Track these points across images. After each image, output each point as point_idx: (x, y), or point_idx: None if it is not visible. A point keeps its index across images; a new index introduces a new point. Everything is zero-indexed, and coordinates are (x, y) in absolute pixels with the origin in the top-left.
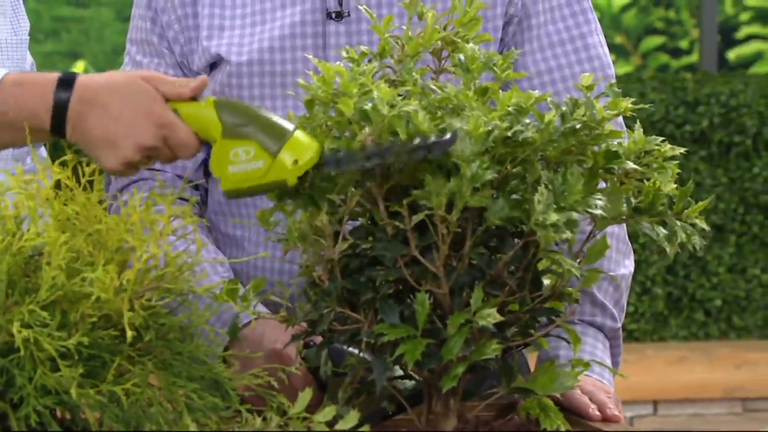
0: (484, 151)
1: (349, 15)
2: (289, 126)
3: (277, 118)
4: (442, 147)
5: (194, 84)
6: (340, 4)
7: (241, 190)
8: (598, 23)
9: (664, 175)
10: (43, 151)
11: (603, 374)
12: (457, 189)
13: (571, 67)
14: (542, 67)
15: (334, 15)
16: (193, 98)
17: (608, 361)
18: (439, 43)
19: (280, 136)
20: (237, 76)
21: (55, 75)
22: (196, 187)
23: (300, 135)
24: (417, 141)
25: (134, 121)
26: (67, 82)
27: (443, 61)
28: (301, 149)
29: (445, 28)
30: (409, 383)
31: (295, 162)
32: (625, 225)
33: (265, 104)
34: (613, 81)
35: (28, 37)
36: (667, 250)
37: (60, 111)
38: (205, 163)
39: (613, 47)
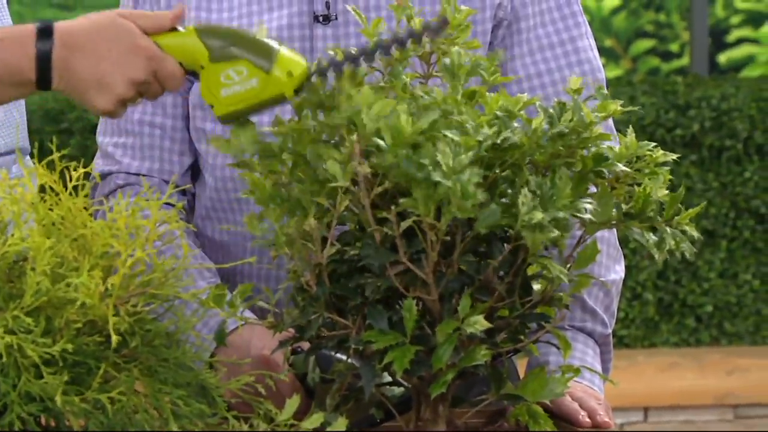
0: (474, 162)
1: (336, 18)
2: (274, 43)
3: (261, 37)
4: (432, 34)
5: (172, 14)
6: (328, 8)
7: (238, 112)
8: (588, 27)
9: (655, 180)
10: (28, 160)
11: (593, 381)
12: (446, 199)
13: (561, 71)
14: (531, 71)
15: (321, 18)
16: (173, 29)
17: (598, 368)
18: (428, 47)
19: (269, 52)
20: None
21: (32, 26)
22: (183, 193)
23: (286, 51)
24: (400, 33)
25: (122, 57)
26: (46, 32)
27: (431, 66)
28: (292, 63)
29: None
30: (397, 390)
31: (290, 74)
32: (615, 230)
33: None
34: (604, 83)
35: None
36: (656, 256)
37: (44, 62)
38: (192, 167)
39: (603, 50)
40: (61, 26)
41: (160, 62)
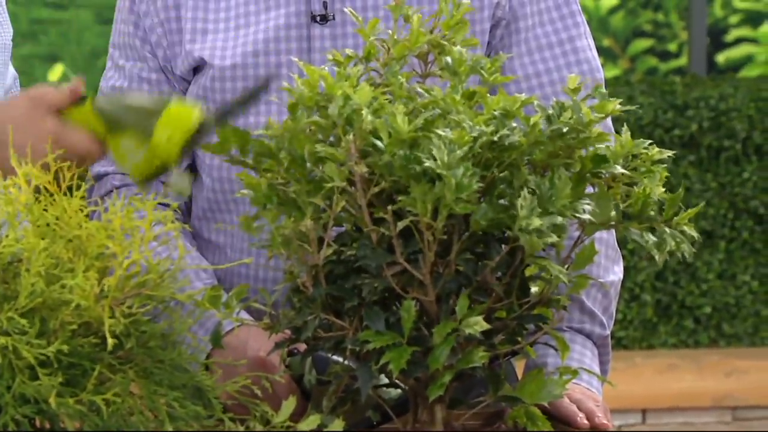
0: (468, 157)
1: (333, 18)
2: (159, 106)
3: (150, 101)
4: (257, 93)
5: (70, 87)
6: (325, 7)
7: (152, 175)
8: (587, 27)
9: (652, 179)
10: None
11: (591, 382)
12: (442, 196)
13: (560, 71)
14: (530, 71)
15: (318, 18)
16: (83, 99)
17: (597, 369)
18: (426, 46)
19: (151, 115)
20: (220, 80)
21: None
22: None
23: (171, 112)
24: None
25: (26, 144)
26: None
27: (429, 65)
28: (176, 122)
29: (431, 32)
30: (394, 392)
31: (169, 139)
32: (614, 231)
33: (248, 109)
34: (602, 84)
35: (11, 44)
36: (656, 257)
37: None
38: (188, 168)
39: (600, 50)
40: None
41: (63, 138)
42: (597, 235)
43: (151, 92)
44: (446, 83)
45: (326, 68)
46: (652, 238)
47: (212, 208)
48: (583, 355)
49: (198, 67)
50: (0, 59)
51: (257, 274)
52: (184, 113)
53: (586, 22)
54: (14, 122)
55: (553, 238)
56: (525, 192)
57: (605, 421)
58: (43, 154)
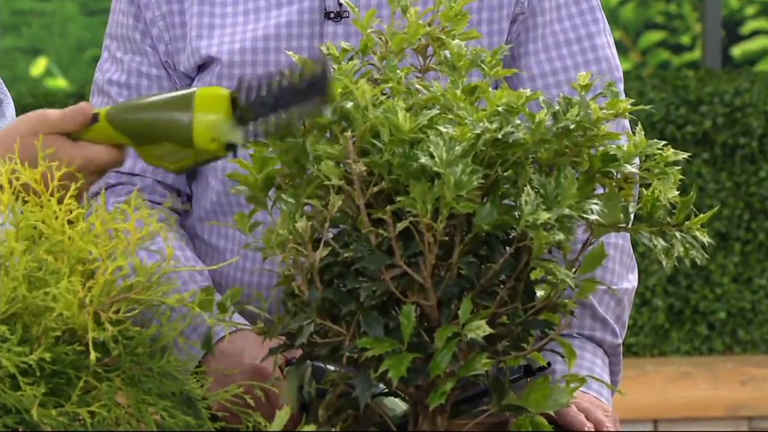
0: (469, 154)
1: (348, 16)
2: (187, 112)
3: (174, 106)
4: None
5: (77, 120)
6: (340, 5)
7: (187, 168)
8: (606, 22)
9: (665, 181)
10: None
11: (601, 392)
12: (442, 195)
13: (577, 69)
14: (546, 68)
15: (332, 15)
16: (94, 118)
17: (607, 378)
18: (424, 39)
19: (185, 129)
20: (228, 77)
21: None
22: (178, 194)
23: (201, 114)
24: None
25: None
26: None
27: (428, 59)
28: (212, 127)
29: (429, 25)
30: (399, 409)
31: (213, 140)
32: (629, 237)
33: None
34: (621, 83)
35: None
36: (664, 263)
37: None
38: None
39: None
40: None
41: (84, 156)
42: (612, 240)
43: (159, 90)
44: (446, 78)
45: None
46: (661, 242)
47: (216, 211)
48: (594, 363)
49: (204, 64)
50: None
51: (252, 280)
52: (216, 115)
53: (605, 19)
54: (20, 142)
55: (560, 236)
56: (529, 188)
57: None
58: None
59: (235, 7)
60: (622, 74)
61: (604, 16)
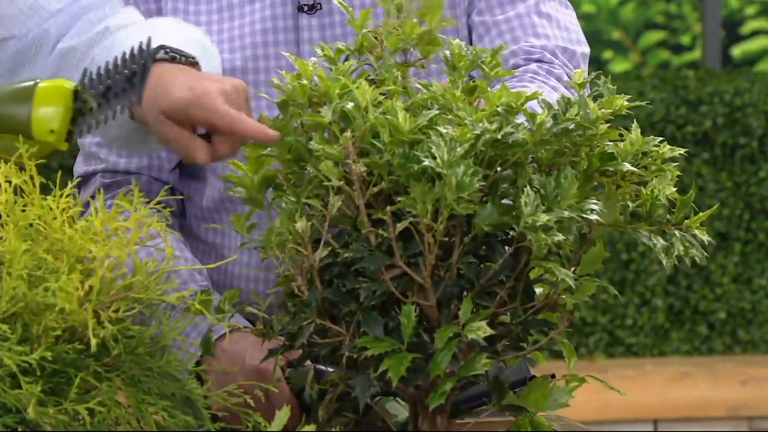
0: (470, 155)
1: (321, 8)
2: (26, 105)
3: (13, 99)
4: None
5: None
6: None
7: (36, 160)
8: (571, 8)
9: (662, 178)
10: None
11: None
12: (442, 196)
13: (530, 17)
14: (499, 17)
15: (306, 8)
16: None
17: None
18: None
19: (24, 122)
20: None
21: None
22: (173, 192)
23: (40, 107)
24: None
25: None
26: None
27: (408, 55)
28: (50, 119)
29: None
30: (401, 416)
31: (51, 132)
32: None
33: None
34: (586, 50)
35: None
36: (664, 262)
37: None
38: (179, 165)
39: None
40: None
41: None
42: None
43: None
44: (428, 76)
45: (314, 59)
46: (661, 241)
47: (218, 208)
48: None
49: None
50: None
51: (250, 276)
52: (58, 93)
53: (569, 6)
54: None
55: (560, 237)
56: (528, 189)
57: None
58: None
59: (209, 5)
60: (587, 50)
61: (568, 3)
